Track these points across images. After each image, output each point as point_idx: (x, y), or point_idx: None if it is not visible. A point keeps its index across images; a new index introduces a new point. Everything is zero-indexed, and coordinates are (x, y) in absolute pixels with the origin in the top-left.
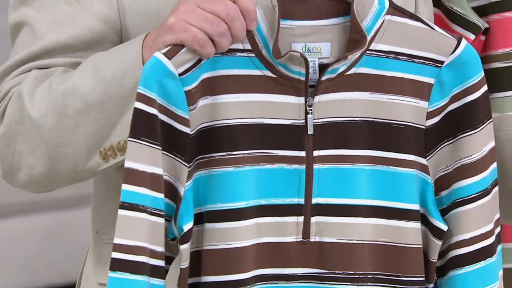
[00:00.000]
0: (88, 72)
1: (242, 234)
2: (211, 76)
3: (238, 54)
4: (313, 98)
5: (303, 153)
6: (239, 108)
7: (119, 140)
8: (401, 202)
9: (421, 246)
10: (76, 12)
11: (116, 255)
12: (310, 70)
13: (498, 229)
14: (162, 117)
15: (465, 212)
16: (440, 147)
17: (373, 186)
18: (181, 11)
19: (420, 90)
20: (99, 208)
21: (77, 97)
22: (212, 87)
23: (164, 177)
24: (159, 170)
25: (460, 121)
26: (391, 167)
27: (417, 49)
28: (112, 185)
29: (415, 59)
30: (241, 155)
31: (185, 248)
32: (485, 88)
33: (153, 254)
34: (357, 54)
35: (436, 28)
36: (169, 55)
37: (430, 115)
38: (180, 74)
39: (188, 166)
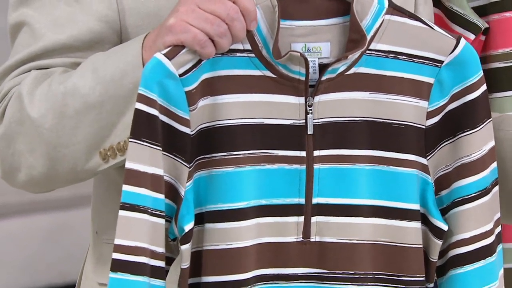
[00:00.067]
0: (88, 73)
1: (243, 234)
2: (211, 77)
3: (238, 54)
4: (313, 98)
5: (303, 153)
6: (239, 108)
7: (119, 141)
8: (401, 202)
9: (422, 246)
10: (75, 12)
11: (116, 256)
12: (310, 70)
13: (498, 229)
14: (163, 117)
15: (464, 211)
16: (440, 146)
17: (374, 186)
18: (181, 11)
19: (420, 90)
20: (99, 208)
21: (76, 97)
22: (212, 87)
23: (165, 177)
24: (159, 171)
25: (459, 120)
26: (391, 167)
27: (416, 49)
28: (112, 185)
29: (414, 59)
30: (241, 155)
31: (186, 248)
32: (484, 87)
33: (153, 255)
34: (357, 54)
35: (436, 27)
36: (170, 56)
37: (430, 115)
38: (180, 75)
39: (188, 166)
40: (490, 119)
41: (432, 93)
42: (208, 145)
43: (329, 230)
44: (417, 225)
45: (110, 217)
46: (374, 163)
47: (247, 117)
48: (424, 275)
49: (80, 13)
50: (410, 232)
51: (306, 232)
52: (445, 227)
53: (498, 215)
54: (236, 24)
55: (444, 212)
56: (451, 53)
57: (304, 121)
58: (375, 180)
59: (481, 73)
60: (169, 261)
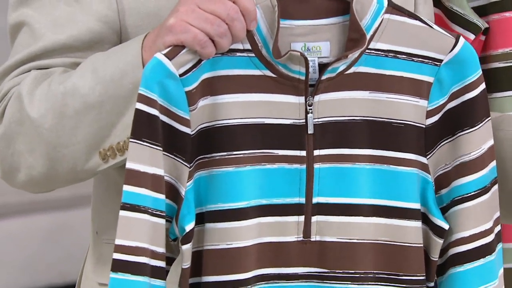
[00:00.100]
0: (87, 73)
1: (243, 234)
2: (211, 76)
3: (238, 54)
4: (313, 98)
5: (303, 153)
6: (239, 108)
7: (118, 141)
8: (402, 201)
9: (422, 245)
10: (75, 13)
11: (117, 256)
12: (310, 69)
13: (498, 228)
14: (163, 118)
15: (464, 209)
16: (440, 145)
17: (374, 185)
18: (181, 11)
19: (420, 89)
20: (99, 208)
21: (76, 97)
22: (212, 87)
23: (165, 178)
24: (160, 171)
25: (458, 119)
26: (391, 166)
27: (416, 48)
28: (111, 185)
29: (414, 58)
30: (241, 155)
31: (187, 248)
32: (483, 86)
33: (154, 255)
34: (356, 53)
35: (435, 26)
36: (170, 56)
37: (429, 114)
38: (180, 75)
39: (188, 166)
40: (489, 117)
41: (432, 92)
42: (208, 145)
43: (330, 229)
44: (417, 224)
45: (110, 217)
46: (374, 163)
47: (247, 117)
48: (424, 274)
49: (80, 13)
50: (410, 231)
51: (307, 231)
52: (446, 226)
53: (497, 214)
54: (236, 24)
55: (444, 211)
56: (450, 52)
57: (304, 120)
58: (375, 180)
59: (480, 72)
60: (170, 261)
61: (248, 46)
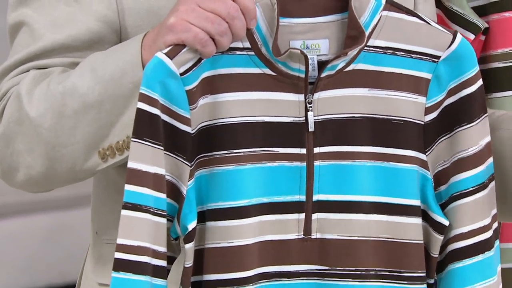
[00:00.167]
0: (86, 72)
1: (244, 232)
2: (211, 75)
3: (237, 52)
4: (312, 95)
5: (303, 150)
6: (239, 106)
7: (117, 140)
8: (402, 198)
9: (422, 241)
10: (75, 13)
11: (119, 255)
12: (310, 67)
13: (495, 224)
14: (164, 117)
15: (462, 205)
16: (438, 142)
17: (374, 182)
18: (181, 10)
19: (418, 86)
20: (98, 208)
21: (75, 97)
22: (212, 85)
23: (166, 177)
24: (161, 171)
25: (456, 115)
26: (391, 163)
27: (414, 45)
28: (111, 184)
29: (412, 55)
30: (242, 153)
31: (189, 247)
32: (480, 82)
33: (155, 254)
34: (356, 50)
35: (432, 23)
36: (171, 55)
37: (428, 111)
38: (181, 74)
39: (189, 165)
40: (486, 114)
41: (430, 89)
42: (208, 144)
43: (330, 227)
44: (417, 221)
45: (110, 217)
46: (375, 160)
47: (247, 115)
48: (425, 270)
49: (80, 13)
50: (411, 228)
51: (307, 229)
52: (446, 222)
53: (495, 210)
54: (236, 23)
55: (443, 207)
56: (448, 48)
57: (304, 118)
58: (375, 177)
59: (477, 68)
60: (171, 260)
61: (247, 45)
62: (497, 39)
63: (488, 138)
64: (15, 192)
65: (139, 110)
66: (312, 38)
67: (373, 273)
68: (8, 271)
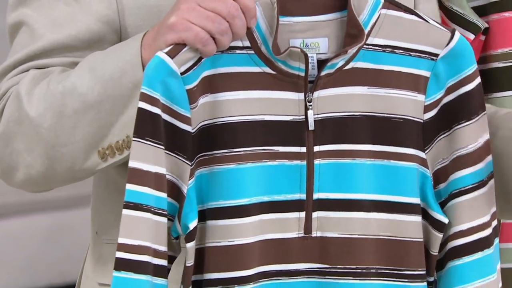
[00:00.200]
0: (86, 72)
1: (245, 231)
2: (211, 74)
3: (237, 51)
4: (312, 94)
5: (304, 149)
6: (239, 105)
7: (117, 140)
8: (402, 196)
9: (422, 239)
10: (74, 12)
11: (120, 254)
12: (309, 65)
13: (495, 222)
14: (165, 116)
15: (461, 203)
16: (437, 140)
17: (374, 181)
18: (182, 9)
19: (417, 84)
20: (98, 208)
21: (75, 96)
22: (212, 85)
23: (167, 176)
24: (162, 170)
25: (455, 113)
26: (392, 161)
27: (413, 42)
28: (111, 184)
29: (411, 53)
30: (242, 152)
31: (190, 246)
32: (478, 80)
33: (156, 253)
34: (355, 49)
35: (430, 21)
36: (172, 55)
37: (427, 109)
38: (182, 73)
39: (190, 164)
40: (485, 112)
41: (429, 87)
42: (209, 143)
43: (330, 225)
44: (417, 219)
45: (109, 216)
46: (375, 158)
47: (247, 114)
48: (425, 268)
49: (79, 13)
50: (411, 226)
51: (308, 227)
52: (445, 220)
53: (494, 208)
54: (236, 22)
55: (442, 205)
56: (446, 46)
57: (304, 116)
58: (375, 175)
59: (475, 66)
60: (171, 259)
61: (247, 43)
62: (497, 39)
63: (487, 136)
64: (15, 192)
65: (140, 110)
66: (312, 36)
67: (374, 271)
68: (8, 271)
